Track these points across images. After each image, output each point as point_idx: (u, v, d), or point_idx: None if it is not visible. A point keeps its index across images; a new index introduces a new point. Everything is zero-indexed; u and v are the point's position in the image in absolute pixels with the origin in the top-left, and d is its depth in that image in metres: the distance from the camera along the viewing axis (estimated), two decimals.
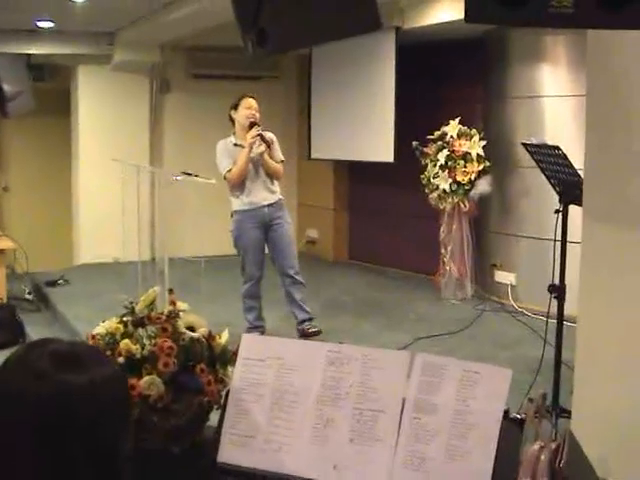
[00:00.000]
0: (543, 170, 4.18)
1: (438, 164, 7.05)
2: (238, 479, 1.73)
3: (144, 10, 7.42)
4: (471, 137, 7.03)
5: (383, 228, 8.92)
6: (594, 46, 3.05)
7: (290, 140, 9.12)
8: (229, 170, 5.63)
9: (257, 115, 5.67)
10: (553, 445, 1.57)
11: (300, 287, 5.80)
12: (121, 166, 6.68)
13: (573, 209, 3.82)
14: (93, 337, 1.92)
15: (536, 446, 1.56)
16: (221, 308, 6.20)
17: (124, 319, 1.95)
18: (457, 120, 7.09)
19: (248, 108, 5.66)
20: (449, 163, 7.00)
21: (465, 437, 1.58)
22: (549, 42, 6.62)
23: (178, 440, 1.81)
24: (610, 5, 1.57)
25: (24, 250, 7.66)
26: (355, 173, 9.35)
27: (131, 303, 1.98)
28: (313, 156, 9.01)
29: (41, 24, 8.21)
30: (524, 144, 4.41)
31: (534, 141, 4.53)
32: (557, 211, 3.94)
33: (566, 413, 3.68)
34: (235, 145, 5.69)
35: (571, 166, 3.91)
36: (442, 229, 7.31)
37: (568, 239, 3.91)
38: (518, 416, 1.61)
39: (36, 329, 6.62)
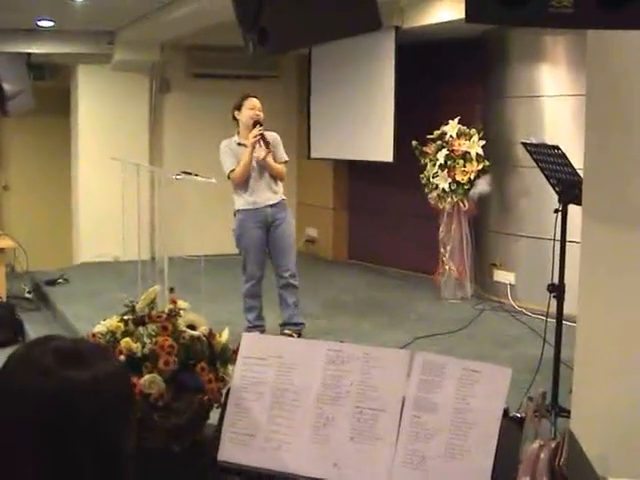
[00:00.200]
0: (542, 170, 4.19)
1: (437, 164, 7.04)
2: (238, 477, 1.73)
3: (144, 9, 7.43)
4: (470, 137, 7.03)
5: (383, 227, 8.92)
6: (594, 46, 3.05)
7: (290, 139, 9.07)
8: (232, 170, 5.64)
9: (261, 115, 5.67)
10: (553, 444, 1.57)
11: (293, 290, 5.74)
12: (121, 165, 6.68)
13: (572, 209, 3.82)
14: (94, 335, 1.92)
15: (536, 445, 1.57)
16: (221, 307, 6.21)
17: (125, 317, 1.95)
18: (456, 120, 7.10)
19: (252, 108, 5.66)
20: (448, 163, 7.00)
21: (465, 436, 1.59)
22: (549, 42, 6.62)
23: (178, 438, 1.82)
24: (610, 5, 1.57)
25: (24, 249, 7.67)
26: (355, 172, 9.35)
27: (132, 302, 1.98)
28: (313, 155, 9.01)
29: (41, 23, 8.22)
30: (523, 144, 4.42)
31: (533, 141, 4.54)
32: (556, 210, 3.94)
33: (565, 412, 3.69)
34: (239, 145, 5.69)
35: (570, 166, 3.92)
36: (441, 228, 7.31)
37: (567, 238, 3.92)
38: (518, 415, 1.61)
39: (36, 328, 6.61)
